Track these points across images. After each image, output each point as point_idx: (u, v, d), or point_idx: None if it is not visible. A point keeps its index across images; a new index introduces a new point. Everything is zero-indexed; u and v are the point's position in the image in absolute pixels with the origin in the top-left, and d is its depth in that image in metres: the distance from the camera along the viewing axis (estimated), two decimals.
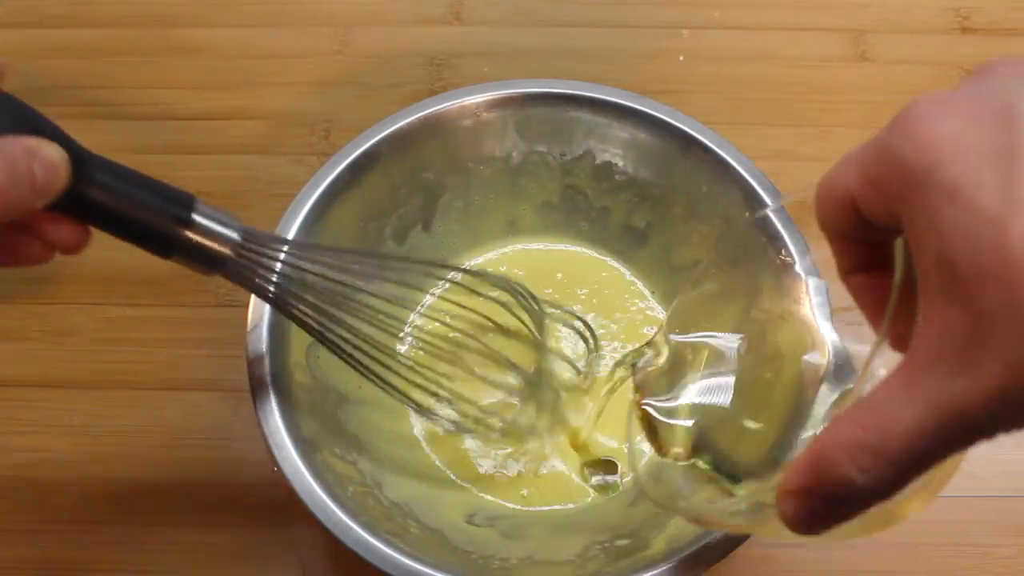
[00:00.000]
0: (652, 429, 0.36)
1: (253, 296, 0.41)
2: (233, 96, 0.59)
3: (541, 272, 0.50)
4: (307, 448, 0.38)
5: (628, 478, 0.45)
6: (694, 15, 0.61)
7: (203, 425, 0.48)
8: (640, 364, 0.38)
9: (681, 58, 0.60)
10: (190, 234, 0.32)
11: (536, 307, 0.43)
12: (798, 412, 0.33)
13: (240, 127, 0.57)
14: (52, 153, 0.28)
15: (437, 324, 0.46)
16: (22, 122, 0.28)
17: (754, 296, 0.36)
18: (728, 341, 0.36)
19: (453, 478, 0.45)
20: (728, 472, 0.34)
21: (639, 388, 0.37)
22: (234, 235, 0.34)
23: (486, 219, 0.50)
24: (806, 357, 0.34)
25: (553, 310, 0.46)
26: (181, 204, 0.33)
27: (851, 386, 0.32)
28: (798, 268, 0.37)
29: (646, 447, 0.37)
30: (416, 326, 0.48)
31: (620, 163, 0.48)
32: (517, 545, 0.41)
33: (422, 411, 0.42)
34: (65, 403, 0.48)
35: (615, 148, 0.47)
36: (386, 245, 0.48)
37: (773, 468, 0.33)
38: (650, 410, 0.36)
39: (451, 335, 0.44)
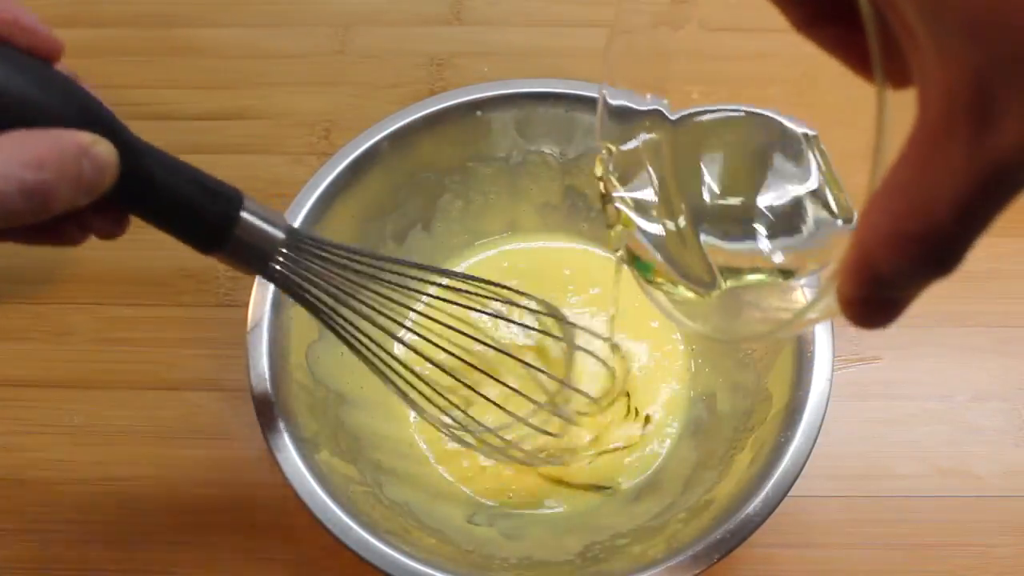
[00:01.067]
0: (672, 283, 0.34)
1: (253, 296, 0.41)
2: (233, 96, 0.59)
3: (545, 269, 0.50)
4: (307, 448, 0.38)
5: (628, 485, 0.45)
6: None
7: (203, 425, 0.48)
8: (610, 169, 0.35)
9: None
10: (236, 232, 0.31)
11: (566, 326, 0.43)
12: (767, 162, 0.33)
13: (240, 127, 0.57)
14: (103, 151, 0.27)
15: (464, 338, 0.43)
16: (80, 111, 0.27)
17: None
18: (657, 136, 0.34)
19: (447, 478, 0.45)
20: (760, 272, 0.33)
21: (631, 254, 0.35)
22: (279, 234, 0.32)
23: (486, 219, 0.50)
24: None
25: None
26: (229, 201, 0.31)
27: (813, 133, 0.32)
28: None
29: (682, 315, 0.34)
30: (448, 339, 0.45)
31: None
32: (517, 545, 0.41)
33: (449, 431, 0.42)
34: (65, 403, 0.48)
35: None
36: (386, 245, 0.48)
37: (797, 231, 0.32)
38: (650, 252, 0.34)
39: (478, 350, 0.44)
